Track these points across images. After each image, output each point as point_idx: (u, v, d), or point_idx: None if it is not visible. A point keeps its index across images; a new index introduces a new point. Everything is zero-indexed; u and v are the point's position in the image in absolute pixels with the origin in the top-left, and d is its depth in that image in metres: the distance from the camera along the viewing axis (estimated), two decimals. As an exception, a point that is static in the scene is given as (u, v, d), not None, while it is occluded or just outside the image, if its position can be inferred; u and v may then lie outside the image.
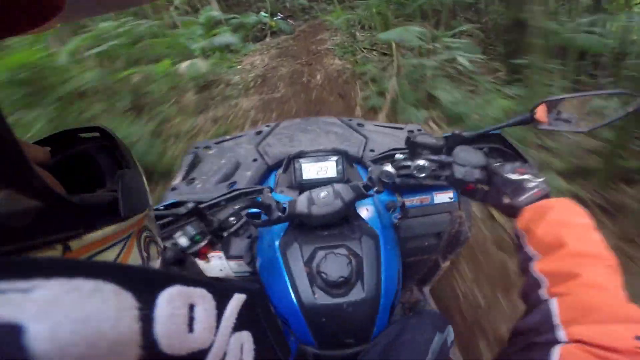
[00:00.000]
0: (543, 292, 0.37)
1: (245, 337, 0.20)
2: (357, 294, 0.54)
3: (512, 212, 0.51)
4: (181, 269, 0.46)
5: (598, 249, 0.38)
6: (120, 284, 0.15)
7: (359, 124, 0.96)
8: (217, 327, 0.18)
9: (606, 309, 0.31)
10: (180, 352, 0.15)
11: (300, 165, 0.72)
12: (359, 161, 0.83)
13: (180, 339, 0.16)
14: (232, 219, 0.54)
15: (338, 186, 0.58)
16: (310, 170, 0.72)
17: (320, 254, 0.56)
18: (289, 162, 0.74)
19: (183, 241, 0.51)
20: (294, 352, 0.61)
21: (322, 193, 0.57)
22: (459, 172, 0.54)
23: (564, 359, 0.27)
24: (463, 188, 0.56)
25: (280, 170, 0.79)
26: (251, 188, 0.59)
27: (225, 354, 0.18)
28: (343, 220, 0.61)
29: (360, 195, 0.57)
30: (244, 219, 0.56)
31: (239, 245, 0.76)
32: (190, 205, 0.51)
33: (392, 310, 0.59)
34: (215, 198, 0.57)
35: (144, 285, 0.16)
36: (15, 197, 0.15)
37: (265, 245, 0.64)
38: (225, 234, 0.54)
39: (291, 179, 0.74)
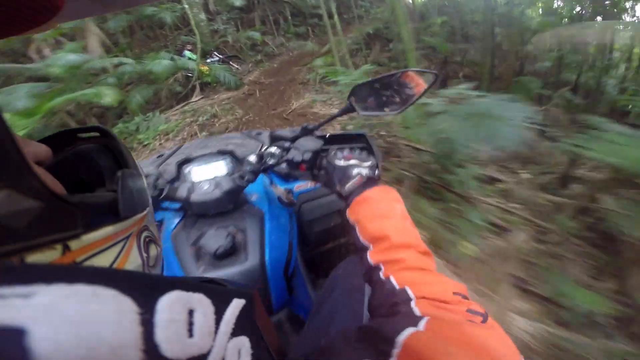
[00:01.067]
0: (380, 275, 0.43)
1: (243, 342, 0.20)
2: (241, 262, 0.59)
3: (344, 200, 0.55)
4: None
5: (413, 239, 0.46)
6: (120, 289, 0.15)
7: (257, 133, 1.05)
8: (216, 332, 0.18)
9: (427, 280, 0.40)
10: (181, 357, 0.15)
11: (190, 170, 0.74)
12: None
13: (180, 343, 0.16)
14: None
15: (219, 178, 0.64)
16: (200, 173, 0.74)
17: (203, 234, 0.61)
18: (178, 168, 0.75)
19: None
20: None
21: (204, 184, 0.63)
22: (290, 154, 0.60)
23: (421, 309, 0.34)
24: (296, 169, 0.61)
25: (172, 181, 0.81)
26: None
27: (223, 359, 0.18)
28: (231, 207, 0.66)
29: (238, 185, 0.62)
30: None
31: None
32: None
33: (287, 280, 0.63)
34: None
35: (144, 291, 0.16)
36: (15, 197, 0.15)
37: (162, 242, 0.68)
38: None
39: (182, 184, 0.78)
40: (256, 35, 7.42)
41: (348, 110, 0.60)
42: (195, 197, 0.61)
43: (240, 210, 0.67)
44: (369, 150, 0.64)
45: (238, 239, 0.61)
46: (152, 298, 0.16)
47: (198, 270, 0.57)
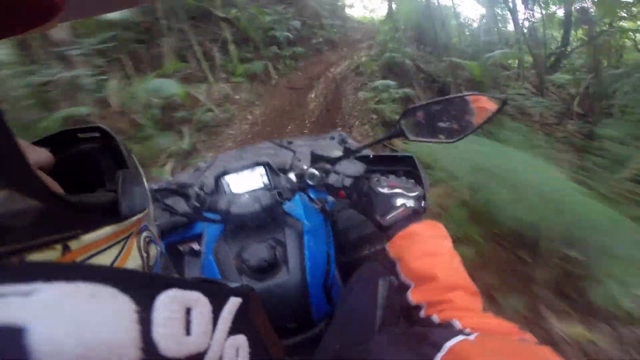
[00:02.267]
0: (420, 314, 0.41)
1: (241, 341, 0.20)
2: (282, 276, 0.59)
3: (384, 231, 0.51)
4: None
5: (462, 279, 0.43)
6: (119, 288, 0.15)
7: (288, 142, 1.06)
8: (214, 330, 0.18)
9: (475, 316, 0.38)
10: (179, 355, 0.16)
11: (227, 182, 0.75)
12: (286, 171, 0.88)
13: (178, 341, 0.16)
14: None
15: (259, 192, 0.65)
16: (238, 184, 0.75)
17: (245, 247, 0.62)
18: (216, 181, 0.76)
19: None
20: None
21: (244, 197, 0.64)
22: (331, 178, 0.59)
23: (471, 330, 0.32)
24: (336, 195, 0.60)
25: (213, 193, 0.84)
26: (178, 183, 0.65)
27: (221, 358, 0.18)
28: (270, 220, 0.67)
29: (276, 201, 0.63)
30: (155, 196, 0.61)
31: (191, 269, 0.82)
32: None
33: (327, 291, 0.64)
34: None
35: (142, 289, 0.16)
36: (15, 197, 0.15)
37: (204, 256, 0.69)
38: None
39: (222, 196, 0.80)
40: (167, 86, 3.26)
41: (397, 134, 0.56)
42: (235, 209, 0.61)
43: (278, 222, 0.67)
44: (415, 177, 0.62)
45: (279, 252, 0.61)
46: (150, 296, 0.16)
47: (241, 283, 0.58)
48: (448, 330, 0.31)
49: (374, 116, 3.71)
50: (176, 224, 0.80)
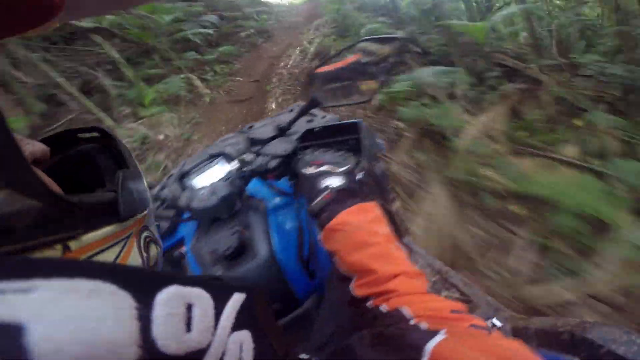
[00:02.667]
0: (367, 305, 0.39)
1: (245, 337, 0.20)
2: (251, 260, 0.58)
3: (315, 219, 0.46)
4: None
5: (401, 266, 0.41)
6: (119, 284, 0.15)
7: (249, 127, 1.02)
8: (216, 326, 0.18)
9: (421, 300, 0.37)
10: (179, 352, 0.15)
11: (191, 182, 0.75)
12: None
13: (178, 338, 0.16)
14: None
15: (215, 184, 0.64)
16: (201, 181, 0.74)
17: (213, 240, 0.61)
18: (180, 182, 0.76)
19: None
20: None
21: (202, 191, 0.63)
22: (255, 162, 0.57)
23: (427, 325, 0.32)
24: (264, 177, 0.57)
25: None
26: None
27: (224, 354, 0.18)
28: (237, 207, 0.66)
29: (232, 190, 0.62)
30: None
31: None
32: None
33: (305, 264, 0.62)
34: None
35: (142, 286, 0.16)
36: (15, 197, 0.15)
37: (187, 256, 0.69)
38: None
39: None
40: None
41: (312, 105, 0.53)
42: (195, 204, 0.61)
43: (245, 206, 0.67)
44: (356, 146, 0.57)
45: (245, 236, 0.60)
46: (150, 293, 0.16)
47: (216, 274, 0.58)
48: (418, 330, 0.31)
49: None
50: (160, 233, 0.79)
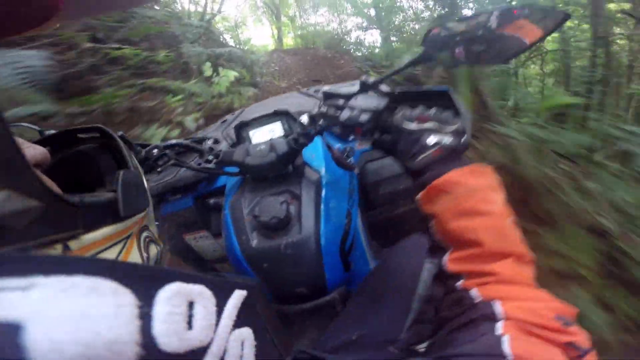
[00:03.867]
0: (458, 285, 0.34)
1: (246, 334, 0.20)
2: (293, 235, 0.53)
3: (414, 179, 0.42)
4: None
5: (514, 245, 0.35)
6: (119, 281, 0.15)
7: (315, 90, 0.97)
8: (217, 324, 0.18)
9: (524, 296, 0.31)
10: (179, 350, 0.15)
11: (249, 134, 0.73)
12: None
13: (179, 336, 0.16)
14: (154, 150, 0.55)
15: (275, 140, 0.59)
16: (259, 136, 0.72)
17: (259, 201, 0.57)
18: (237, 132, 0.73)
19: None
20: None
21: (260, 146, 0.59)
22: (343, 114, 0.50)
23: (507, 331, 0.27)
24: (351, 133, 0.50)
25: (235, 145, 0.79)
26: (181, 141, 0.61)
27: (225, 351, 0.18)
28: (288, 170, 0.61)
29: (292, 148, 0.57)
30: (165, 152, 0.57)
31: (219, 222, 0.77)
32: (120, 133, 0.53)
33: (345, 255, 0.57)
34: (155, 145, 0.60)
35: (143, 283, 0.16)
36: (16, 197, 0.15)
37: (223, 212, 0.65)
38: (147, 164, 0.56)
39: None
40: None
41: (424, 59, 0.46)
42: (250, 160, 0.57)
43: (297, 172, 0.62)
44: (454, 110, 0.50)
45: (294, 208, 0.55)
46: (152, 290, 0.16)
47: (252, 242, 0.54)
48: (476, 346, 0.27)
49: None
50: (199, 178, 0.75)
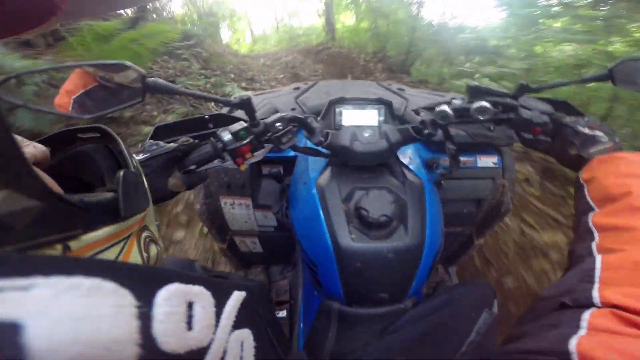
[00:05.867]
0: (592, 247, 0.32)
1: (246, 335, 0.20)
2: (400, 238, 0.49)
3: (578, 162, 0.47)
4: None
5: None
6: (119, 282, 0.15)
7: (399, 89, 0.92)
8: (217, 325, 0.18)
9: None
10: (179, 351, 0.15)
11: (341, 111, 0.69)
12: (400, 118, 0.77)
13: (178, 337, 0.16)
14: (278, 124, 0.50)
15: (385, 126, 0.56)
16: (351, 117, 0.68)
17: (360, 192, 0.53)
18: (329, 106, 0.70)
19: (226, 135, 0.48)
20: (316, 311, 0.56)
21: (367, 131, 0.55)
22: (526, 113, 0.50)
23: (594, 326, 0.24)
24: (529, 131, 0.52)
25: (320, 118, 0.73)
26: (298, 115, 0.54)
27: (225, 352, 0.18)
28: (383, 165, 0.58)
29: (409, 138, 0.54)
30: (289, 127, 0.52)
31: (267, 193, 0.75)
32: (244, 96, 0.47)
33: (432, 267, 0.54)
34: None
35: (142, 283, 0.16)
36: (15, 197, 0.15)
37: (301, 186, 0.61)
38: (268, 136, 0.51)
39: (330, 124, 0.70)
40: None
41: (603, 77, 0.50)
42: (358, 146, 0.53)
43: (392, 169, 0.58)
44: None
45: (397, 207, 0.52)
46: (151, 290, 0.16)
47: (350, 235, 0.50)
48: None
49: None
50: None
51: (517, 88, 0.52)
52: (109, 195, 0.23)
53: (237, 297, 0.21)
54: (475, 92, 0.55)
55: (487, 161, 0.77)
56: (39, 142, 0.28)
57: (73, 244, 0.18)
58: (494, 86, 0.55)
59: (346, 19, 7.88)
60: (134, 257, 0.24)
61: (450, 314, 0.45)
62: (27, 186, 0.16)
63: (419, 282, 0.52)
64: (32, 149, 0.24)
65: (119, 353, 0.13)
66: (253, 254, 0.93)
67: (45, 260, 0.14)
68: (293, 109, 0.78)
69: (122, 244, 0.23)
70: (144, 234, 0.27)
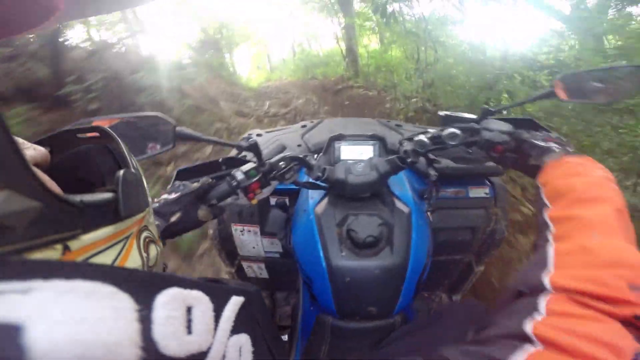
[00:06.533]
0: (549, 238, 0.36)
1: (244, 340, 0.20)
2: (385, 257, 0.56)
3: (537, 170, 0.52)
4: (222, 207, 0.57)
5: (608, 194, 0.37)
6: (118, 286, 0.15)
7: (397, 125, 1.01)
8: (215, 329, 0.18)
9: (601, 252, 0.29)
10: (179, 354, 0.16)
11: (340, 147, 0.76)
12: (395, 152, 0.83)
13: (179, 340, 0.16)
14: (281, 163, 0.59)
15: (375, 159, 0.63)
16: (349, 152, 0.76)
17: (352, 217, 0.60)
18: (330, 143, 0.78)
19: (239, 174, 0.57)
20: (312, 324, 0.62)
21: (360, 164, 0.62)
22: (487, 134, 0.57)
23: (552, 310, 0.26)
24: (492, 150, 0.59)
25: (322, 153, 0.82)
26: (299, 155, 0.63)
27: (224, 357, 0.18)
28: (376, 195, 0.64)
29: (396, 167, 0.61)
30: (291, 165, 0.61)
31: (274, 221, 0.82)
32: (252, 140, 0.57)
33: (417, 286, 0.60)
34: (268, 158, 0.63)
35: (141, 287, 0.16)
36: (15, 197, 0.15)
37: (301, 213, 0.68)
38: (273, 174, 0.60)
39: (330, 159, 0.79)
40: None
41: (548, 95, 0.58)
42: (352, 178, 0.60)
43: (382, 198, 0.64)
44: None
45: (384, 229, 0.58)
46: (150, 295, 0.16)
47: (341, 253, 0.56)
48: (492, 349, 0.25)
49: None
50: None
51: (481, 113, 0.60)
52: (109, 195, 0.23)
53: (235, 302, 0.21)
54: (447, 120, 0.63)
55: (479, 191, 0.84)
56: (38, 142, 0.28)
57: (73, 244, 0.18)
58: (462, 113, 0.63)
59: (370, 42, 6.76)
60: (134, 257, 0.24)
61: (440, 330, 0.48)
62: (27, 186, 0.16)
63: (405, 298, 0.58)
64: (32, 151, 0.24)
65: (121, 355, 0.13)
66: (259, 280, 0.99)
67: (45, 264, 0.14)
68: (299, 146, 0.88)
69: (121, 244, 0.23)
70: (144, 234, 0.27)
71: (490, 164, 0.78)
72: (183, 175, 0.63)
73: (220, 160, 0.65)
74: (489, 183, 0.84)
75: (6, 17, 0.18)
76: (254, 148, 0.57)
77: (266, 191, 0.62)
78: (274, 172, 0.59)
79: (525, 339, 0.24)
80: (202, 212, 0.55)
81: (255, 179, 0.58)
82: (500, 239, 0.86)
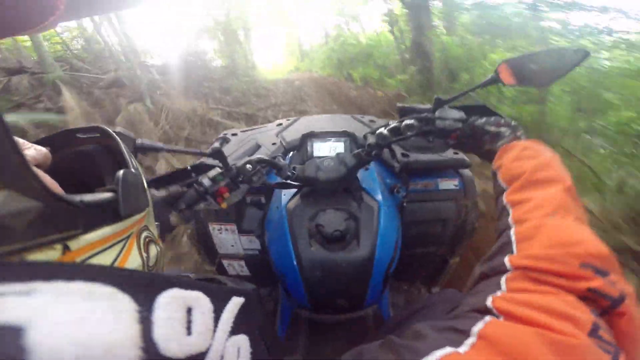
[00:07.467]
0: (509, 221, 0.37)
1: (242, 341, 0.20)
2: (352, 250, 0.59)
3: (492, 155, 0.54)
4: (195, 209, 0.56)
5: (557, 173, 0.40)
6: (119, 287, 0.15)
7: (370, 120, 1.03)
8: (215, 330, 0.18)
9: (555, 232, 0.32)
10: (179, 355, 0.16)
11: (312, 144, 0.78)
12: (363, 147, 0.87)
13: (179, 341, 0.16)
14: (248, 166, 0.61)
15: (342, 154, 0.65)
16: (321, 149, 0.77)
17: (322, 213, 0.62)
18: (303, 140, 0.79)
19: (206, 181, 0.58)
20: (288, 320, 0.64)
21: (328, 161, 0.64)
22: (441, 123, 0.59)
23: (511, 287, 0.28)
24: (448, 138, 0.61)
25: (296, 151, 0.85)
26: (269, 157, 0.65)
27: (222, 358, 0.18)
28: (346, 190, 0.66)
29: (362, 160, 0.62)
30: (257, 168, 0.62)
31: (250, 219, 0.84)
32: (215, 148, 0.58)
33: (386, 278, 0.62)
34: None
35: (142, 288, 0.16)
36: (15, 197, 0.15)
37: (274, 210, 0.70)
38: (241, 178, 0.61)
39: (303, 156, 0.80)
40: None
41: (493, 81, 0.60)
42: (322, 175, 0.62)
43: (352, 194, 0.67)
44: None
45: (351, 226, 0.61)
46: (151, 296, 0.16)
47: (310, 248, 0.58)
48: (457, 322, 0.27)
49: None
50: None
51: (434, 103, 0.62)
52: (109, 195, 0.23)
53: (235, 303, 0.21)
54: (404, 112, 0.65)
55: (448, 184, 0.86)
56: (39, 142, 0.28)
57: (73, 244, 0.18)
58: (417, 104, 0.65)
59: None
60: (134, 257, 0.24)
61: (423, 318, 0.49)
62: (27, 186, 0.16)
63: (374, 290, 0.60)
64: (33, 151, 0.24)
65: (121, 356, 0.13)
66: (241, 277, 1.01)
67: (46, 266, 0.14)
68: (274, 144, 0.90)
69: (121, 244, 0.23)
70: (144, 234, 0.27)
71: (459, 156, 0.81)
72: (153, 184, 0.64)
73: (189, 167, 0.67)
74: (458, 175, 0.86)
75: (6, 17, 0.18)
76: (218, 155, 0.58)
77: (236, 194, 0.63)
78: (241, 176, 0.61)
79: (486, 311, 0.26)
80: (173, 217, 0.58)
81: (222, 184, 0.59)
82: (471, 230, 0.88)
